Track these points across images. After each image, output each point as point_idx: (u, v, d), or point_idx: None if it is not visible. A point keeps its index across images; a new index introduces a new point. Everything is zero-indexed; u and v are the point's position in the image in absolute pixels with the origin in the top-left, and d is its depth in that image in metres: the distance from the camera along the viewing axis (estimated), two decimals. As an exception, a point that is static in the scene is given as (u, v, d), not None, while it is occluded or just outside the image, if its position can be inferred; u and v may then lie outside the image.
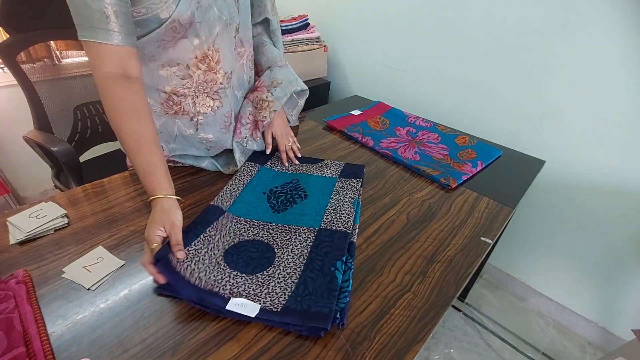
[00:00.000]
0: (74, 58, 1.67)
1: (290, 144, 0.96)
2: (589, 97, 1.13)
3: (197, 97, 0.80)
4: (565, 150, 1.24)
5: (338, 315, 0.54)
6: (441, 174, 0.94)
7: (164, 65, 0.74)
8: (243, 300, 0.56)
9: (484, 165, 1.02)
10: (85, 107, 1.35)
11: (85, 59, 1.67)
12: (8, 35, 1.13)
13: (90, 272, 0.60)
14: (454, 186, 0.90)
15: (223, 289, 0.57)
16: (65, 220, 0.70)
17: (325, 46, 1.75)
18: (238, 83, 0.89)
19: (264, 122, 0.91)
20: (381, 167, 1.00)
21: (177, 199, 0.65)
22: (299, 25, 1.68)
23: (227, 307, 0.54)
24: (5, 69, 1.46)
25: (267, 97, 0.92)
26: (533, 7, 1.15)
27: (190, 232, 0.65)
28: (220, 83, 0.81)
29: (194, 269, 0.59)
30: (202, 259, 0.62)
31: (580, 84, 1.14)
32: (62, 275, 0.59)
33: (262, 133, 0.94)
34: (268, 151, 0.95)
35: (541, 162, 1.09)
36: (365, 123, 1.22)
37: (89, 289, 0.58)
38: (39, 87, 1.23)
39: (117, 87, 0.62)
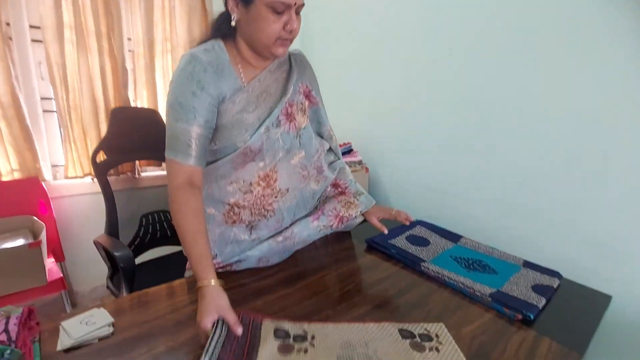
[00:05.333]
0: (150, 172, 1.95)
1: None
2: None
3: (254, 209, 0.95)
4: (635, 284, 1.11)
5: None
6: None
7: (232, 182, 0.92)
8: None
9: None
10: (150, 215, 1.52)
11: (159, 173, 1.95)
12: (106, 157, 1.39)
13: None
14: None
15: None
16: (111, 330, 0.73)
17: (367, 168, 1.89)
18: (302, 197, 1.04)
19: (350, 219, 1.09)
20: (425, 292, 0.95)
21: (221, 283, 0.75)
22: (343, 150, 1.88)
23: None
24: (95, 179, 1.74)
25: (354, 201, 1.12)
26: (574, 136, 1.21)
27: None
28: (275, 197, 0.97)
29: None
30: None
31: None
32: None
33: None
34: (385, 231, 1.12)
35: (607, 298, 0.97)
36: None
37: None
38: (118, 196, 1.43)
39: (184, 193, 0.81)
